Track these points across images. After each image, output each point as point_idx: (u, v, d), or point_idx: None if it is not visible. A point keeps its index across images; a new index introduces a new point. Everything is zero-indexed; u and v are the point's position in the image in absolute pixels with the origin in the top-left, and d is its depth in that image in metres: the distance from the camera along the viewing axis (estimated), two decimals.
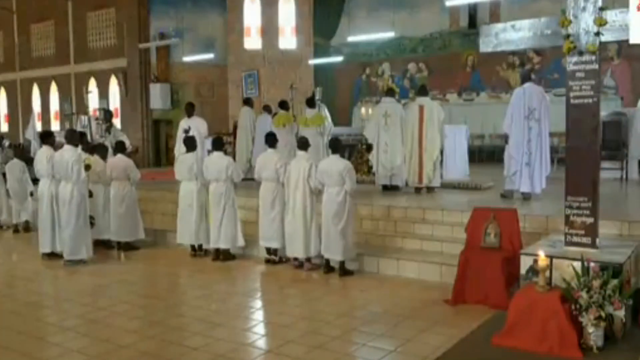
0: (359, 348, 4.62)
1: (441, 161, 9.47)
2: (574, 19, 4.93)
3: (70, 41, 19.96)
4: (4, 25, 22.33)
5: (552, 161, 8.40)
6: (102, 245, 8.43)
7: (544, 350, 4.25)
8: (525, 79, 8.24)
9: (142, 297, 6.36)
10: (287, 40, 11.21)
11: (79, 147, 8.10)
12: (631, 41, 4.68)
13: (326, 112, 11.04)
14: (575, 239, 5.01)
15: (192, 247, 7.99)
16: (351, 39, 15.53)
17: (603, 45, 4.95)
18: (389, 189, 9.50)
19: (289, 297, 6.27)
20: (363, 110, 16.40)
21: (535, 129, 7.78)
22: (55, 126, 20.07)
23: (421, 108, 9.16)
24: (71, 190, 7.50)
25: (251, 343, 4.83)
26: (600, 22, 4.80)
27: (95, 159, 8.59)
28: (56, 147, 8.10)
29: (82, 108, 14.49)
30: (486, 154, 14.85)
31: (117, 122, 16.03)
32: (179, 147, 9.93)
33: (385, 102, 9.66)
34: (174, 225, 8.14)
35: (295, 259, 7.15)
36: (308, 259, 7.07)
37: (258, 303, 6.20)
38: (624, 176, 10.16)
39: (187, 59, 16.85)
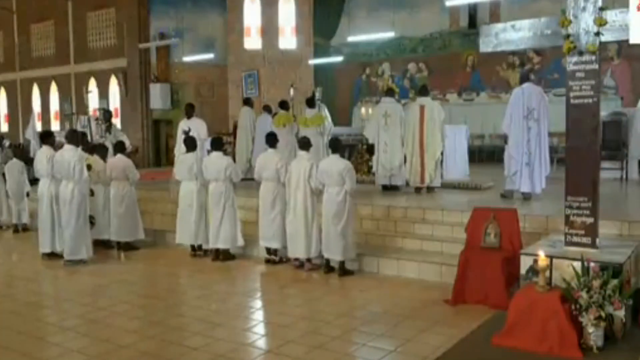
0: (359, 348, 4.62)
1: (441, 161, 9.47)
2: (574, 19, 4.93)
3: (70, 41, 19.94)
4: (4, 25, 22.31)
5: (551, 161, 8.42)
6: (102, 245, 8.43)
7: (544, 350, 4.25)
8: (524, 79, 8.27)
9: (142, 297, 6.36)
10: (287, 40, 11.20)
11: (79, 147, 8.10)
12: (631, 41, 4.68)
13: (326, 112, 11.03)
14: (575, 239, 5.02)
15: (192, 247, 7.99)
16: (351, 39, 15.52)
17: (603, 45, 4.95)
18: (389, 189, 9.51)
19: (289, 297, 6.27)
20: (363, 110, 16.41)
21: (535, 129, 7.78)
22: (55, 126, 20.04)
23: (422, 108, 9.17)
24: (72, 190, 7.50)
25: (251, 343, 4.83)
26: (600, 22, 4.80)
27: (95, 159, 8.60)
28: (56, 147, 8.10)
29: (82, 108, 14.54)
30: (486, 154, 14.84)
31: (117, 122, 16.01)
32: (179, 148, 9.92)
33: (385, 102, 9.67)
34: (174, 225, 8.14)
35: (296, 259, 7.15)
36: (308, 259, 7.06)
37: (258, 303, 6.20)
38: (624, 176, 10.16)
39: (187, 59, 16.85)
